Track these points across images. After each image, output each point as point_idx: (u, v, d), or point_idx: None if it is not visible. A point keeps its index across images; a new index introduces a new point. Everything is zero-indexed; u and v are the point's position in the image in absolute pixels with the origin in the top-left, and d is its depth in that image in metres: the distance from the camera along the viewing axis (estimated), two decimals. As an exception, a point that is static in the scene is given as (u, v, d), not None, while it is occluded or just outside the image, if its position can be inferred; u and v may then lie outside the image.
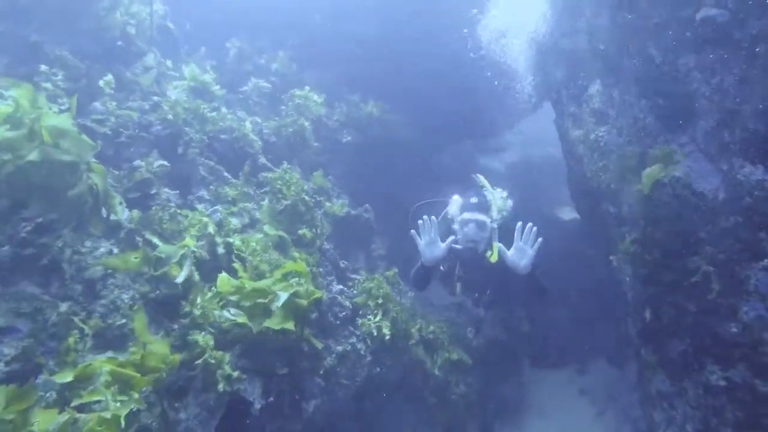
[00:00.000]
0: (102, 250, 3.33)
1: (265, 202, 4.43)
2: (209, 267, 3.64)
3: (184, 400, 3.07)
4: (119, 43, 4.69)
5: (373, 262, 5.65)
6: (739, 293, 3.03)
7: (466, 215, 3.93)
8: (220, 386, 3.06)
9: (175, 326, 3.28)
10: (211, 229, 3.73)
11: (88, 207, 3.23)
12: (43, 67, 3.96)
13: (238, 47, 6.35)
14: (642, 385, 4.26)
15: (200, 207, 4.11)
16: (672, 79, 3.48)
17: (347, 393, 4.03)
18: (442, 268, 4.16)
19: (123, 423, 2.46)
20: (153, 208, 3.70)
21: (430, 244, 3.82)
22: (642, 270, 3.75)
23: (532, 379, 6.21)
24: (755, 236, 2.98)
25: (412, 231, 3.83)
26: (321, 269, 4.27)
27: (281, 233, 4.18)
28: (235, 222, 4.11)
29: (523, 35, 5.49)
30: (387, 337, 4.25)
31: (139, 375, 2.66)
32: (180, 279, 3.26)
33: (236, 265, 3.62)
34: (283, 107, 5.80)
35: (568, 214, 7.13)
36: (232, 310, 3.28)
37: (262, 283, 3.45)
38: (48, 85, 3.88)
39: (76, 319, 2.94)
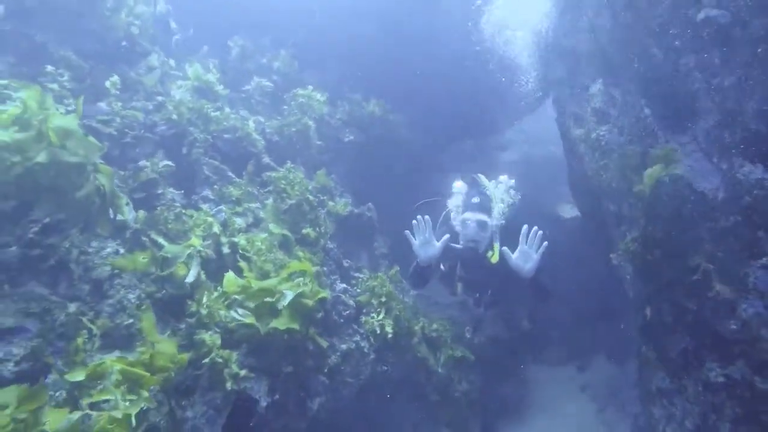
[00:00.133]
0: (108, 250, 3.36)
1: (270, 202, 4.46)
2: (214, 266, 3.68)
3: (191, 399, 3.11)
4: (123, 43, 4.71)
5: (375, 260, 5.68)
6: (739, 291, 3.07)
7: (467, 215, 3.92)
8: (228, 384, 3.10)
9: (182, 326, 3.32)
10: (216, 228, 3.76)
11: (95, 208, 3.26)
12: (50, 68, 3.98)
13: (241, 46, 6.35)
14: (642, 381, 4.30)
15: (205, 207, 4.14)
16: (673, 79, 3.50)
17: (351, 391, 4.07)
18: (442, 267, 4.16)
19: (134, 422, 2.50)
20: (158, 208, 3.73)
21: (425, 244, 3.82)
22: (642, 268, 3.79)
23: (533, 376, 6.26)
24: (754, 235, 3.01)
25: (407, 231, 3.83)
26: (325, 268, 4.31)
27: (285, 232, 4.22)
28: (239, 222, 4.14)
29: (526, 30, 5.52)
30: (389, 335, 4.30)
31: (148, 374, 2.69)
32: (190, 278, 3.30)
33: (242, 264, 3.66)
34: (285, 106, 5.82)
35: (569, 212, 7.16)
36: (240, 311, 3.31)
37: (268, 283, 3.49)
38: (54, 85, 3.90)
39: (84, 319, 2.98)
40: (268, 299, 3.41)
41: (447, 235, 3.86)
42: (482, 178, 4.26)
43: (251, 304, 3.40)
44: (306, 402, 3.66)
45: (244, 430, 3.28)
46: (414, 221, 3.79)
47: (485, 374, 5.53)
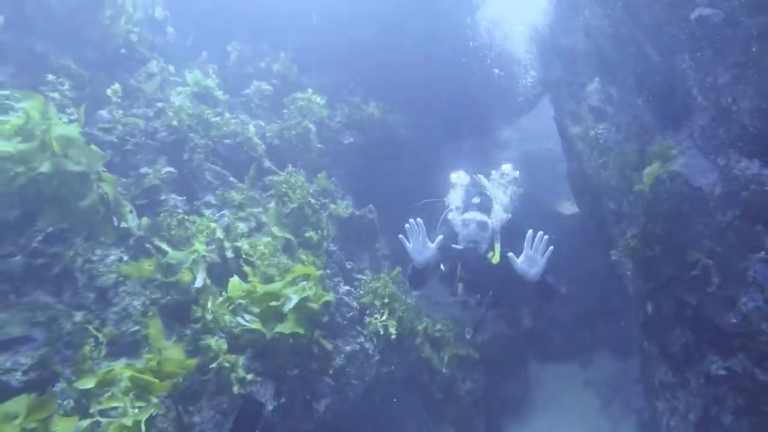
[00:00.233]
0: (112, 257, 3.39)
1: (272, 206, 4.48)
2: (218, 271, 3.70)
3: (198, 404, 3.14)
4: (122, 51, 4.72)
5: (377, 261, 5.70)
6: (738, 285, 3.10)
7: (468, 215, 3.92)
8: (235, 389, 3.12)
9: (187, 331, 3.34)
10: (219, 233, 3.79)
11: (99, 216, 3.27)
12: (51, 77, 3.99)
13: (239, 50, 6.36)
14: (645, 376, 4.34)
15: (207, 212, 4.16)
16: (668, 78, 3.54)
17: (357, 392, 4.10)
18: (443, 268, 4.17)
19: (144, 428, 2.52)
20: (161, 214, 3.75)
21: (419, 247, 3.83)
22: (642, 264, 3.82)
23: (536, 373, 6.29)
24: (752, 229, 3.04)
25: (401, 235, 3.84)
26: (328, 271, 4.33)
27: (288, 236, 4.24)
28: (242, 226, 4.16)
29: (524, 27, 5.55)
30: (393, 336, 4.32)
31: (157, 381, 2.72)
32: (198, 284, 3.32)
33: (246, 268, 3.68)
34: (285, 110, 5.83)
35: (568, 209, 7.19)
36: (246, 316, 3.33)
37: (273, 287, 3.51)
38: (55, 94, 3.91)
39: (90, 328, 3.00)
40: (273, 303, 3.43)
41: (440, 236, 3.85)
42: (482, 178, 4.27)
43: (256, 309, 3.42)
44: (312, 404, 3.68)
45: (251, 434, 3.31)
46: (407, 225, 3.80)
47: (489, 372, 5.56)
